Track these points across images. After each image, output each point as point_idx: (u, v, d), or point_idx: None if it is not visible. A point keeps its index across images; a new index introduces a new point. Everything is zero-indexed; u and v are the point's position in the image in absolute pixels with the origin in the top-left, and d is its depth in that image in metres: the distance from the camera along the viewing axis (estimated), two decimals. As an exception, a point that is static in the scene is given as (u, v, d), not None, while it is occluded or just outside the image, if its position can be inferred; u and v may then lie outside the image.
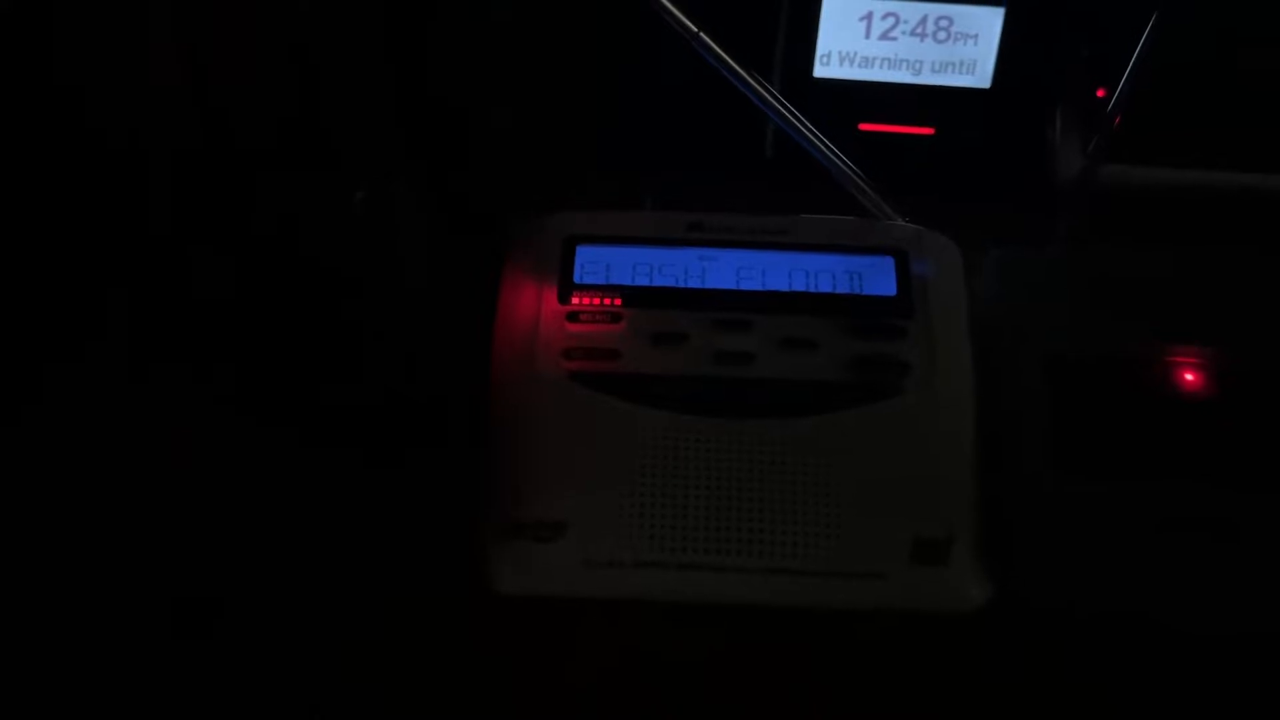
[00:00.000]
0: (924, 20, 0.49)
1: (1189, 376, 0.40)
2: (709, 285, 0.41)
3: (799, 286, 0.41)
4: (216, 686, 0.35)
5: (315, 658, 0.35)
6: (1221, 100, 0.42)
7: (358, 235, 0.38)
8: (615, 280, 0.41)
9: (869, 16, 0.49)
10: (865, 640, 0.37)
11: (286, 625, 0.36)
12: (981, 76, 0.50)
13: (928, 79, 0.50)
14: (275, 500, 0.38)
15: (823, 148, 0.45)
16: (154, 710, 0.34)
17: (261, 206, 0.37)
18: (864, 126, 0.51)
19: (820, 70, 0.50)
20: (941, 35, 0.49)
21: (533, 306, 0.40)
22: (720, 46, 0.45)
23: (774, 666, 0.36)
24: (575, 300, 0.40)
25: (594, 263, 0.41)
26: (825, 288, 0.41)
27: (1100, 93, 0.46)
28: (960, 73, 0.50)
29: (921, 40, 0.49)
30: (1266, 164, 0.43)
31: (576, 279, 0.41)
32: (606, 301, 0.40)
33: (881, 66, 0.50)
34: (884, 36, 0.49)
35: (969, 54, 0.49)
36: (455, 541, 0.37)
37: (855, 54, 0.50)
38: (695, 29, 0.43)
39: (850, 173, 0.46)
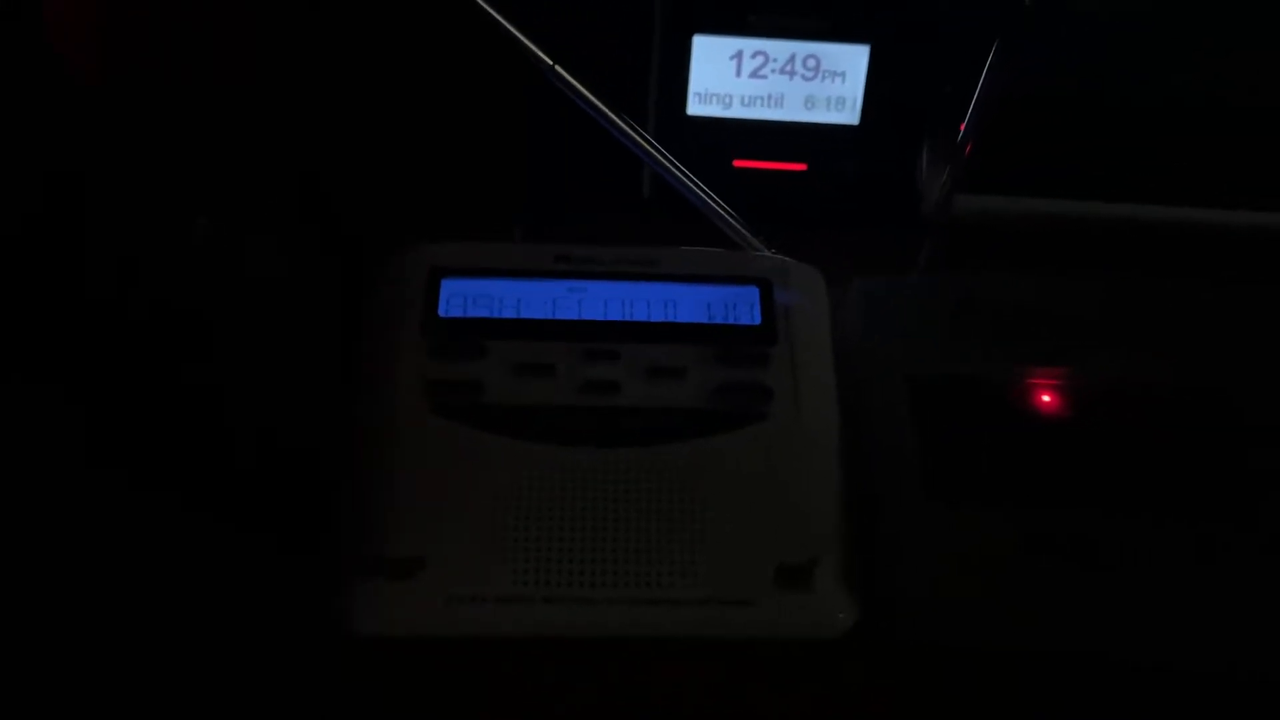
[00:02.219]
0: (792, 59, 0.50)
1: (1047, 398, 0.40)
2: (575, 316, 0.41)
3: (665, 317, 0.41)
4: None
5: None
6: (1074, 129, 0.44)
7: (200, 263, 0.37)
8: (480, 313, 0.41)
9: (739, 55, 0.50)
10: (735, 667, 0.37)
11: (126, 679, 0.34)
12: (850, 113, 0.51)
13: (798, 116, 0.51)
14: (132, 553, 0.36)
15: (689, 183, 0.46)
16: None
17: (96, 236, 0.36)
18: (738, 163, 0.52)
19: (694, 108, 0.51)
20: (809, 73, 0.50)
21: (395, 339, 0.40)
22: (594, 84, 0.45)
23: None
24: (439, 333, 0.40)
25: (458, 295, 0.41)
26: (691, 317, 0.41)
27: (964, 126, 0.48)
28: (829, 109, 0.51)
29: (791, 78, 0.50)
30: (1119, 193, 0.44)
31: (441, 312, 0.40)
32: (471, 334, 0.40)
33: (753, 104, 0.51)
34: (754, 75, 0.50)
35: (837, 91, 0.50)
36: (316, 584, 0.36)
37: (727, 92, 0.51)
38: (550, 62, 0.43)
39: (716, 206, 0.46)
